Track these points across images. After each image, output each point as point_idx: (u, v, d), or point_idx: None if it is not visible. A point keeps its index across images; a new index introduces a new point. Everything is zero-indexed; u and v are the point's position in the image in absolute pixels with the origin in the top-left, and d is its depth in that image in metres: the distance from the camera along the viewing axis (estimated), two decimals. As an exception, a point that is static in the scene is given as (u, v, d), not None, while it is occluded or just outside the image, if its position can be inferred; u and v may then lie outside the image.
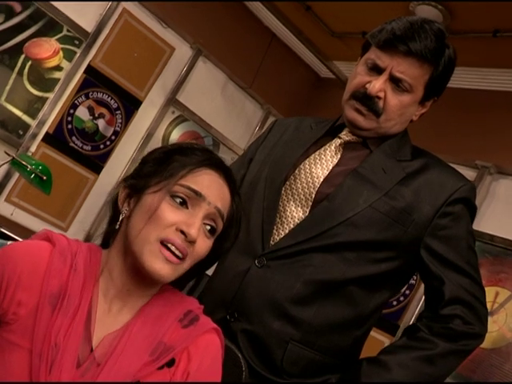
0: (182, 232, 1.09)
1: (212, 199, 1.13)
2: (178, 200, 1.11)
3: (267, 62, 4.35)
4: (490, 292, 3.06)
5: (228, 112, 4.33)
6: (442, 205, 1.46)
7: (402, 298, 3.39)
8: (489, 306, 3.03)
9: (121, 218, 1.15)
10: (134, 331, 1.09)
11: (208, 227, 1.14)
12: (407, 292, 3.37)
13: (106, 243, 1.22)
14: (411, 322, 3.26)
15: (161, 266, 1.08)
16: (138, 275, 1.12)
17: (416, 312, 3.27)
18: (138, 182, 1.15)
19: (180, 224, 1.09)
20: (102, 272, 1.14)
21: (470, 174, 3.36)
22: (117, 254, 1.14)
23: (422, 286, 1.56)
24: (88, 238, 3.83)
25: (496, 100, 3.54)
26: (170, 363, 1.09)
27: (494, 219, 3.26)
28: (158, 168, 1.15)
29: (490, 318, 3.00)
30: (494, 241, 3.19)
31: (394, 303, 3.40)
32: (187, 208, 1.12)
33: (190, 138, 4.18)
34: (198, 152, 1.17)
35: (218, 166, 1.18)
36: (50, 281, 1.06)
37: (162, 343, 1.09)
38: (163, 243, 1.09)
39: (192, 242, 1.10)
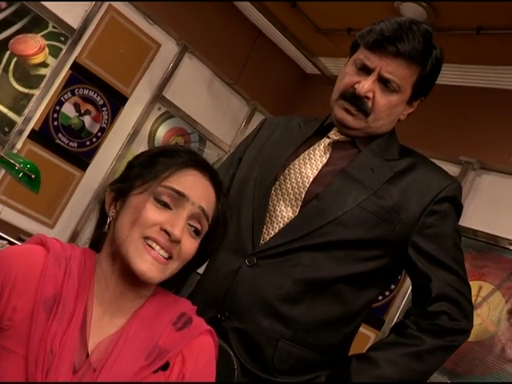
0: (166, 232, 1.10)
1: (196, 199, 1.14)
2: (162, 201, 1.12)
3: (253, 58, 4.37)
4: (473, 286, 3.08)
5: (214, 108, 4.34)
6: (429, 203, 1.48)
7: (387, 293, 3.43)
8: (472, 300, 3.07)
9: (108, 221, 1.16)
10: (129, 335, 1.09)
11: (193, 228, 1.15)
12: (392, 287, 3.41)
13: (95, 247, 1.22)
14: (396, 317, 3.30)
15: (148, 267, 1.09)
16: (129, 277, 1.12)
17: (401, 306, 3.31)
18: (124, 185, 1.17)
19: (164, 224, 1.10)
20: (96, 276, 1.14)
21: (453, 169, 3.40)
22: (107, 258, 1.15)
23: (407, 281, 1.59)
24: (75, 235, 3.83)
25: (479, 96, 3.58)
26: (165, 367, 1.09)
27: (478, 214, 3.30)
28: (143, 171, 1.16)
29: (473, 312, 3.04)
30: (477, 236, 3.24)
31: (380, 298, 3.43)
32: (171, 209, 1.13)
33: (177, 135, 4.18)
34: (182, 153, 1.18)
35: (202, 166, 1.19)
36: (44, 286, 1.06)
37: (157, 347, 1.09)
38: (147, 242, 1.10)
39: (176, 242, 1.11)
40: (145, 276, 1.09)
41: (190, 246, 1.14)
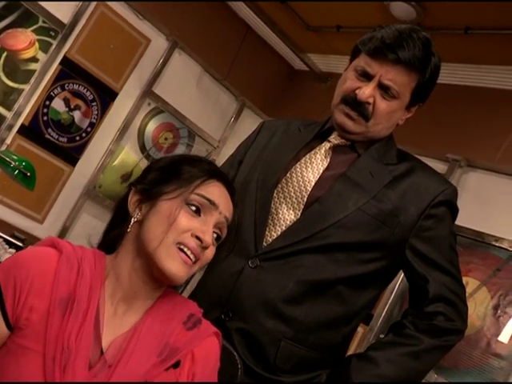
0: (198, 238, 1.16)
1: (223, 209, 1.21)
2: (193, 208, 1.18)
3: (242, 54, 4.37)
4: (459, 282, 3.15)
5: (203, 104, 4.35)
6: (426, 207, 1.53)
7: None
8: (461, 297, 3.13)
9: (132, 222, 1.20)
10: (142, 333, 1.13)
11: (215, 235, 1.22)
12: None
13: (107, 247, 1.25)
14: (384, 311, 3.34)
15: (178, 268, 1.15)
16: (147, 277, 1.17)
17: (389, 302, 3.36)
18: (151, 188, 1.21)
19: (195, 230, 1.16)
20: (108, 276, 1.18)
21: (440, 166, 3.43)
22: (126, 257, 1.19)
23: (395, 277, 1.64)
24: (64, 230, 3.82)
25: (467, 95, 3.61)
26: (176, 365, 1.14)
27: (464, 211, 3.29)
28: (170, 176, 1.21)
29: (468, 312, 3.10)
30: (463, 232, 3.27)
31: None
32: (200, 216, 1.19)
33: (166, 130, 4.19)
34: (204, 164, 1.25)
35: (223, 178, 1.25)
36: (58, 287, 1.10)
37: (168, 345, 1.14)
38: (179, 246, 1.15)
39: (206, 248, 1.17)
40: (174, 275, 1.15)
41: (211, 251, 1.21)
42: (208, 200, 1.19)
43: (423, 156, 1.66)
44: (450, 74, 3.65)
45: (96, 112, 3.87)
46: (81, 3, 3.65)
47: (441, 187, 1.55)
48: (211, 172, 1.23)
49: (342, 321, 1.53)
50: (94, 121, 3.87)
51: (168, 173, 1.22)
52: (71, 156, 3.82)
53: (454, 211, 1.59)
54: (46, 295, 1.09)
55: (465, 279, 3.12)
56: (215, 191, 1.21)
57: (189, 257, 1.16)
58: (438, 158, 3.46)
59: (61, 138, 3.76)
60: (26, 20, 3.51)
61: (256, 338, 1.47)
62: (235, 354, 1.39)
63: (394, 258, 1.54)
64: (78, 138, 3.83)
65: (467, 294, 3.07)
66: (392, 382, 1.45)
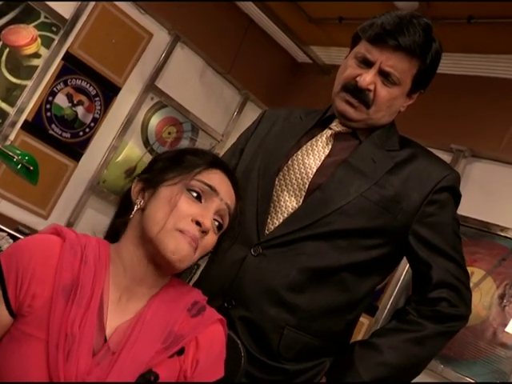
0: (197, 223, 1.16)
1: (223, 196, 1.21)
2: (194, 194, 1.19)
3: (245, 47, 4.37)
4: (465, 272, 3.15)
5: (206, 98, 4.34)
6: (429, 193, 1.52)
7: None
8: (467, 286, 3.12)
9: (135, 209, 1.20)
10: (146, 320, 1.13)
11: (216, 223, 1.22)
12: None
13: (111, 236, 1.25)
14: (389, 303, 3.34)
15: (179, 244, 1.14)
16: (151, 264, 1.17)
17: (394, 293, 3.35)
18: (153, 176, 1.22)
19: (196, 215, 1.16)
20: (112, 263, 1.18)
21: (445, 157, 3.38)
22: (130, 244, 1.19)
23: (400, 268, 1.63)
24: (69, 226, 3.82)
25: (470, 85, 3.60)
26: (180, 352, 1.14)
27: (469, 201, 3.31)
28: (172, 164, 1.22)
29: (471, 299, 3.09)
30: (468, 222, 3.27)
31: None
32: (201, 202, 1.19)
33: (169, 124, 4.19)
34: (207, 154, 1.26)
35: (225, 168, 1.27)
36: (62, 274, 1.10)
37: (172, 332, 1.14)
38: (180, 232, 1.15)
39: (205, 232, 1.17)
40: (177, 253, 1.14)
41: (211, 239, 1.21)
42: (209, 186, 1.20)
43: (428, 147, 1.65)
44: (454, 64, 3.64)
45: (99, 107, 3.87)
46: (82, -2, 3.65)
47: (443, 173, 1.54)
48: (213, 161, 1.24)
49: (346, 308, 1.53)
50: (97, 116, 3.88)
51: (171, 162, 1.24)
52: (75, 151, 3.83)
53: (456, 197, 1.58)
54: (49, 282, 1.09)
55: (470, 269, 3.16)
56: (216, 178, 1.22)
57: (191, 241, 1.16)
58: (442, 149, 3.45)
59: (64, 134, 3.77)
60: (27, 16, 3.51)
61: (259, 326, 1.47)
62: (238, 342, 1.39)
63: (397, 244, 1.53)
64: (81, 134, 3.84)
65: (472, 284, 3.12)
66: (395, 368, 1.45)
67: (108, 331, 1.11)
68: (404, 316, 1.51)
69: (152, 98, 4.10)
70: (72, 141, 3.81)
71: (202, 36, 4.16)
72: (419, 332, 1.47)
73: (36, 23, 3.55)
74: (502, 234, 3.17)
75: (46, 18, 3.57)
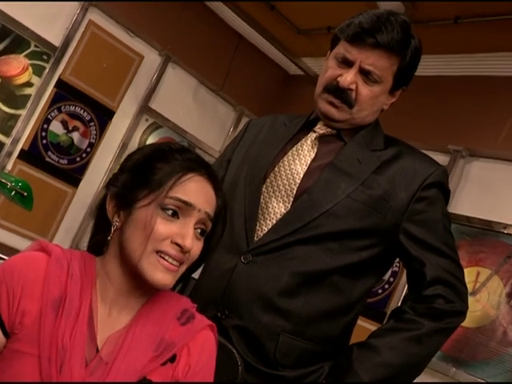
0: (177, 244, 1.13)
1: (201, 206, 1.16)
2: (170, 212, 1.14)
3: (236, 63, 4.39)
4: (471, 272, 3.12)
5: (201, 116, 4.36)
6: (416, 190, 1.51)
7: (386, 286, 3.44)
8: (471, 286, 3.09)
9: (113, 230, 1.18)
10: (137, 329, 1.13)
11: (199, 230, 1.18)
12: (391, 279, 3.42)
13: (94, 251, 1.24)
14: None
15: (161, 276, 1.13)
16: (137, 279, 1.16)
17: (401, 299, 3.32)
18: (125, 194, 1.17)
19: (174, 237, 1.13)
20: (99, 277, 1.17)
21: (442, 158, 3.42)
22: (113, 260, 1.18)
23: (406, 272, 1.61)
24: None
25: (462, 85, 3.61)
26: (172, 359, 1.14)
27: (470, 201, 3.33)
28: (142, 179, 1.16)
29: (473, 298, 3.05)
30: (471, 222, 3.26)
31: (380, 291, 3.45)
32: (178, 218, 1.15)
33: (166, 144, 4.19)
34: (177, 155, 1.19)
35: (199, 165, 1.19)
36: (49, 288, 1.10)
37: (163, 340, 1.13)
38: (159, 255, 1.13)
39: (186, 252, 1.14)
40: (159, 284, 1.13)
41: (197, 248, 1.18)
42: (183, 202, 1.14)
43: (425, 149, 1.64)
44: (444, 66, 3.65)
45: (94, 132, 3.89)
46: (71, 25, 3.68)
47: (430, 169, 1.54)
48: (185, 166, 1.17)
49: (341, 311, 1.51)
50: (93, 141, 3.89)
51: (140, 174, 1.18)
52: (73, 177, 3.84)
53: (445, 193, 1.56)
54: (38, 298, 1.09)
55: (476, 269, 3.13)
56: (191, 188, 1.16)
57: (171, 264, 1.13)
58: (440, 150, 3.45)
59: (61, 160, 3.78)
60: (17, 45, 3.54)
61: (254, 334, 1.45)
62: (234, 351, 1.37)
63: (388, 244, 1.52)
64: (78, 159, 3.85)
65: (479, 284, 3.09)
66: (395, 368, 1.43)
67: (99, 342, 1.11)
68: (401, 315, 1.49)
69: (147, 120, 4.12)
70: (69, 167, 3.82)
71: (192, 55, 4.18)
72: (417, 330, 1.45)
73: (26, 52, 3.58)
74: (506, 231, 3.15)
75: (36, 46, 3.60)
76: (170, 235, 1.13)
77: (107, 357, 1.09)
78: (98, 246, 1.24)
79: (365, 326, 3.26)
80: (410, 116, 3.65)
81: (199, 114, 4.34)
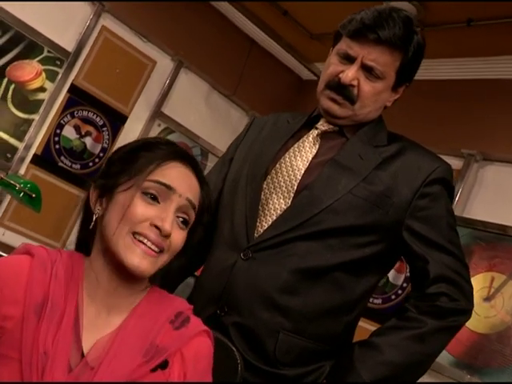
0: (156, 227, 1.11)
1: (182, 191, 1.14)
2: (150, 195, 1.12)
3: (249, 68, 4.39)
4: (485, 278, 3.08)
5: (214, 121, 4.36)
6: (419, 186, 1.48)
7: (399, 291, 3.40)
8: (485, 291, 3.05)
9: (94, 218, 1.15)
10: (126, 333, 1.10)
11: (181, 219, 1.15)
12: (404, 285, 3.38)
13: (82, 248, 1.22)
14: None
15: (139, 261, 1.10)
16: (122, 273, 1.13)
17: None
18: (108, 181, 1.16)
19: (153, 219, 1.11)
20: (87, 277, 1.14)
21: (456, 162, 3.39)
22: (97, 255, 1.15)
23: (409, 270, 1.59)
24: (84, 256, 3.83)
25: (475, 88, 3.58)
26: (164, 365, 1.09)
27: (484, 206, 3.29)
28: (125, 166, 1.15)
29: (487, 304, 3.00)
30: (485, 227, 3.22)
31: (393, 297, 3.41)
32: (159, 202, 1.13)
33: (178, 150, 4.19)
34: (162, 146, 1.18)
35: (183, 157, 1.18)
36: (32, 291, 1.07)
37: (154, 345, 1.09)
38: (137, 237, 1.10)
39: (167, 236, 1.12)
40: (137, 270, 1.10)
41: (179, 237, 1.15)
42: (164, 185, 1.12)
43: (438, 153, 1.60)
44: (457, 69, 3.62)
45: (107, 137, 3.90)
46: (84, 30, 3.71)
47: (434, 165, 1.51)
48: (168, 154, 1.16)
49: (342, 309, 1.49)
50: (106, 145, 3.91)
51: (124, 163, 1.16)
52: (86, 182, 3.82)
53: (449, 189, 1.54)
54: (20, 301, 1.06)
55: (490, 274, 3.09)
56: (172, 173, 1.15)
57: (150, 248, 1.11)
58: (453, 155, 3.41)
59: (74, 165, 3.80)
60: (31, 51, 3.57)
61: (253, 332, 1.43)
62: (234, 349, 1.36)
63: (391, 240, 1.49)
64: (91, 164, 3.86)
65: (494, 290, 3.04)
66: (397, 367, 1.40)
67: (87, 346, 1.08)
68: (403, 313, 1.47)
69: (159, 125, 4.12)
70: (82, 172, 3.84)
71: (205, 60, 4.19)
72: (419, 329, 1.42)
73: (40, 58, 3.60)
74: (521, 236, 3.10)
75: (49, 52, 3.63)
76: (148, 217, 1.11)
77: (93, 362, 1.05)
78: (85, 243, 1.21)
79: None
80: (422, 120, 3.62)
81: (211, 119, 4.34)
